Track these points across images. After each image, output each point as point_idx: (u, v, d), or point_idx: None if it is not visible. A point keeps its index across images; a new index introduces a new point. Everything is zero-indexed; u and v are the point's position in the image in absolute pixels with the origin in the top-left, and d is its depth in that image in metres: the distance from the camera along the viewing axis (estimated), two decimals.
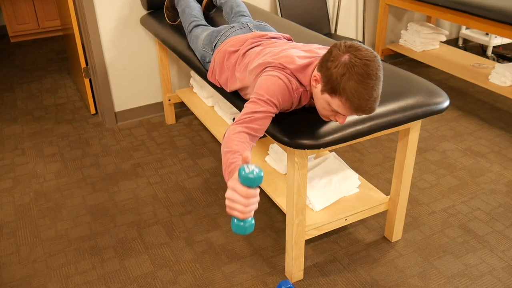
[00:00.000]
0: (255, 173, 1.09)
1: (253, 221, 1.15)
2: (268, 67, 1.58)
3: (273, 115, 1.48)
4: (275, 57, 1.61)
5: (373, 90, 1.36)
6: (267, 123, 1.45)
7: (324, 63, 1.43)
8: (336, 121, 1.50)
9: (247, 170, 1.09)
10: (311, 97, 1.61)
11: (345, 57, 1.37)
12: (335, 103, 1.41)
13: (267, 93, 1.47)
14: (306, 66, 1.55)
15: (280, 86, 1.50)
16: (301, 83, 1.56)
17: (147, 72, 3.20)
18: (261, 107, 1.44)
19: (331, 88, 1.39)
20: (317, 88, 1.47)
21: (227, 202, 1.14)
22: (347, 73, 1.35)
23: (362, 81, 1.34)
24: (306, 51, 1.65)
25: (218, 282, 1.96)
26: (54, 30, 5.15)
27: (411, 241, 2.15)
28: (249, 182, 1.10)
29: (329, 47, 1.68)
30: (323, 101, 1.46)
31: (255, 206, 1.13)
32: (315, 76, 1.47)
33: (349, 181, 2.05)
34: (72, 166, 2.77)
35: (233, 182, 1.13)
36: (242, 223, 1.14)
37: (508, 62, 3.95)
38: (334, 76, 1.38)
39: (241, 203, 1.10)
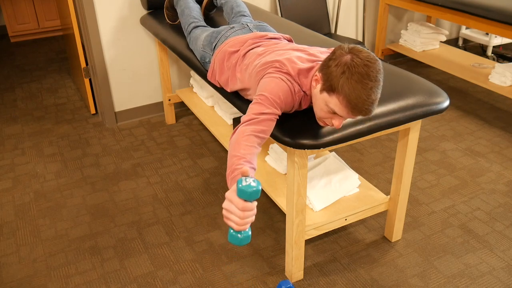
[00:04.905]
0: (252, 188, 1.09)
1: (249, 233, 1.15)
2: (270, 68, 1.58)
3: (278, 117, 1.50)
4: (278, 60, 1.60)
5: (371, 92, 1.36)
6: (273, 124, 1.46)
7: (326, 63, 1.43)
8: (332, 125, 1.49)
9: (244, 183, 1.10)
10: (311, 102, 1.61)
11: (347, 57, 1.38)
12: (333, 101, 1.41)
13: (271, 95, 1.48)
14: (308, 70, 1.55)
15: (283, 88, 1.51)
16: (301, 88, 1.56)
17: (147, 72, 3.20)
18: (266, 108, 1.45)
19: (330, 85, 1.40)
20: (316, 88, 1.47)
21: (224, 212, 1.14)
22: (347, 71, 1.36)
23: (361, 80, 1.35)
24: (309, 55, 1.64)
25: (218, 282, 1.96)
26: (54, 30, 5.15)
27: (411, 241, 2.15)
28: (246, 195, 1.10)
29: (329, 52, 1.70)
30: (321, 101, 1.45)
31: (252, 219, 1.13)
32: (316, 76, 1.47)
33: (349, 181, 2.05)
34: (72, 166, 2.77)
35: (230, 194, 1.14)
36: (238, 235, 1.14)
37: (508, 62, 3.95)
38: (333, 74, 1.38)
39: (236, 215, 1.11)
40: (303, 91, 1.56)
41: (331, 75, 1.39)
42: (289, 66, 1.56)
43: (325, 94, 1.43)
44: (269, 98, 1.47)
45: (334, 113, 1.44)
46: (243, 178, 1.13)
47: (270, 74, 1.56)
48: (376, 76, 1.37)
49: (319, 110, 1.49)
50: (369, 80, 1.35)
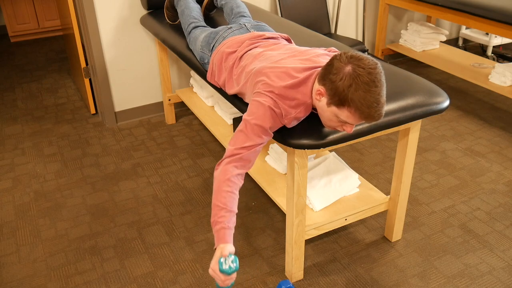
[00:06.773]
0: (231, 269, 1.39)
1: (233, 281, 1.43)
2: (261, 85, 1.56)
3: (263, 144, 1.55)
4: (269, 73, 1.58)
5: (379, 97, 1.39)
6: (256, 153, 1.54)
7: (327, 76, 1.43)
8: (344, 130, 1.50)
9: (224, 266, 1.39)
10: (313, 108, 1.60)
11: (349, 68, 1.39)
12: (344, 114, 1.42)
13: (257, 123, 1.50)
14: (304, 80, 1.54)
15: (269, 115, 1.51)
16: (290, 106, 1.54)
17: (147, 72, 3.20)
18: (250, 140, 1.51)
19: (339, 100, 1.41)
20: (322, 102, 1.47)
21: (210, 271, 1.43)
22: (353, 83, 1.37)
23: (369, 89, 1.37)
24: (304, 61, 1.62)
25: None
26: (54, 30, 5.15)
27: (411, 241, 2.15)
28: (227, 274, 1.39)
29: (327, 54, 1.69)
30: (330, 113, 1.46)
31: (232, 281, 1.42)
32: (318, 90, 1.46)
33: (349, 181, 2.05)
34: (72, 166, 2.77)
35: (214, 266, 1.41)
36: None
37: (508, 62, 3.95)
38: (340, 88, 1.39)
39: (220, 280, 1.41)
40: (301, 101, 1.54)
41: (337, 90, 1.40)
42: (281, 80, 1.54)
43: (334, 108, 1.44)
44: (254, 127, 1.50)
45: (346, 122, 1.46)
46: (223, 260, 1.39)
47: (259, 96, 1.54)
48: (380, 80, 1.39)
49: (328, 121, 1.50)
50: (375, 86, 1.38)
